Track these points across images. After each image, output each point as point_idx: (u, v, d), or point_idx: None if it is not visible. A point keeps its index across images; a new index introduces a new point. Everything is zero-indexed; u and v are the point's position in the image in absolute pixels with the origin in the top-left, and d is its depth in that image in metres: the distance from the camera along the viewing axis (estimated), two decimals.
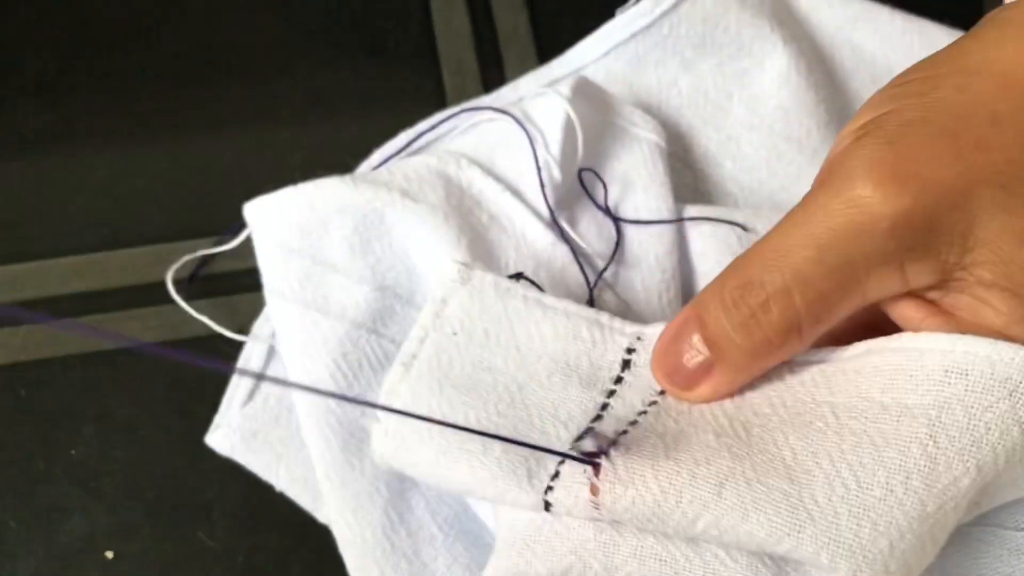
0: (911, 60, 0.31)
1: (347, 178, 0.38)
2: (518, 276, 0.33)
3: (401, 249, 0.38)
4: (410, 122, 0.42)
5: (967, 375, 0.26)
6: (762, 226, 0.37)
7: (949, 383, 0.26)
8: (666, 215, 0.38)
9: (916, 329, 0.28)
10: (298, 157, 0.43)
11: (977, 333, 0.27)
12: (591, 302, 0.37)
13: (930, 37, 0.42)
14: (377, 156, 0.42)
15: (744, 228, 0.38)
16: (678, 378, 0.29)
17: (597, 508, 0.27)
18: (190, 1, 0.47)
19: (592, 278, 0.37)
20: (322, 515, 0.36)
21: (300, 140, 0.44)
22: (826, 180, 0.28)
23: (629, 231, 0.39)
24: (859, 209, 0.27)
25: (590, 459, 0.27)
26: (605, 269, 0.38)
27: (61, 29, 0.46)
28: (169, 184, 0.43)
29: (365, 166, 0.42)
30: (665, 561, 0.27)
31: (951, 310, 0.28)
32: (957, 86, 0.28)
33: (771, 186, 0.40)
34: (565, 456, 0.28)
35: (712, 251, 0.38)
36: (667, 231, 0.38)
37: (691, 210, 0.39)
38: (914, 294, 0.28)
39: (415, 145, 0.42)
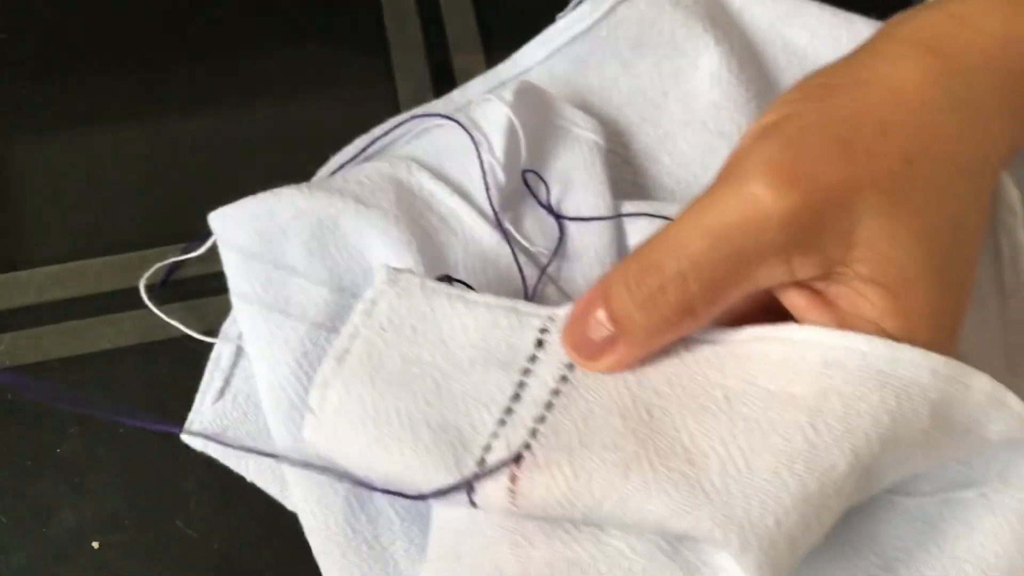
0: (839, 53, 0.34)
1: (303, 186, 0.40)
2: (447, 278, 0.36)
3: (356, 252, 0.40)
4: (364, 127, 0.44)
5: (844, 367, 0.29)
6: None
7: (828, 375, 0.29)
8: (605, 211, 0.41)
9: (802, 315, 0.31)
10: (260, 168, 0.45)
11: (855, 323, 0.30)
12: (530, 296, 0.39)
13: (857, 31, 0.44)
14: (334, 162, 0.44)
15: None
16: (585, 350, 0.31)
17: (514, 497, 0.29)
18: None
19: (535, 275, 0.40)
20: (290, 503, 0.38)
21: (261, 147, 0.46)
22: (725, 176, 0.31)
23: (571, 228, 0.41)
24: (752, 205, 0.29)
25: (514, 458, 0.30)
26: (548, 264, 0.40)
27: (28, 53, 0.48)
28: (141, 194, 0.45)
29: (323, 171, 0.44)
30: (574, 562, 0.29)
31: (833, 300, 0.30)
32: (853, 96, 0.31)
33: (705, 180, 0.41)
34: (487, 472, 0.30)
35: None
36: (607, 227, 0.41)
37: (628, 206, 0.41)
38: (801, 284, 0.31)
39: (370, 150, 0.44)
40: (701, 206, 0.30)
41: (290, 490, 0.38)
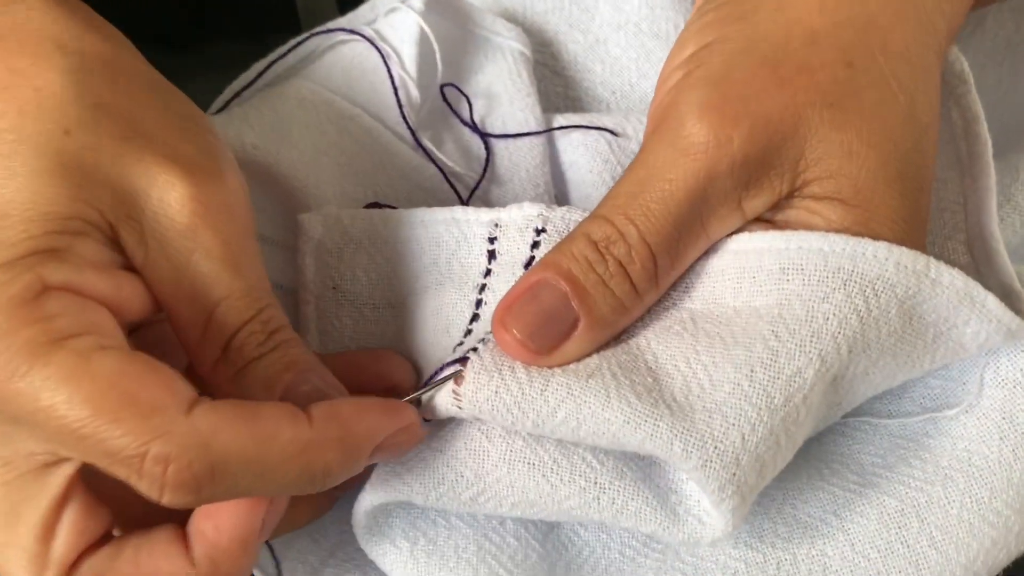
0: None
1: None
2: (375, 205, 0.33)
3: (285, 195, 0.36)
4: (263, 52, 0.39)
5: (803, 270, 0.26)
6: (632, 129, 0.36)
7: (787, 280, 0.27)
8: (534, 126, 0.37)
9: None
10: None
11: None
12: None
13: None
14: (228, 91, 0.39)
15: (614, 133, 0.36)
16: (540, 339, 0.27)
17: (458, 398, 0.26)
18: None
19: (462, 196, 0.36)
20: None
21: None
22: (659, 128, 0.28)
23: (498, 146, 0.37)
24: (693, 157, 0.27)
25: (460, 360, 0.27)
26: (476, 187, 0.36)
27: None
28: None
29: (217, 103, 0.39)
30: (534, 464, 0.27)
31: (783, 225, 0.28)
32: (774, 6, 0.28)
33: (642, 87, 0.39)
34: (433, 383, 0.27)
35: (583, 160, 0.37)
36: (537, 143, 0.37)
37: (560, 119, 0.37)
38: (750, 221, 0.28)
39: (268, 75, 0.39)
40: (642, 168, 0.28)
41: None
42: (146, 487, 0.23)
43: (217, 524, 0.25)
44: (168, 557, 0.25)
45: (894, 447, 0.30)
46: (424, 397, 0.27)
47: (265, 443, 0.24)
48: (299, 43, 0.39)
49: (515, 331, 0.27)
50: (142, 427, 0.22)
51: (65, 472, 0.24)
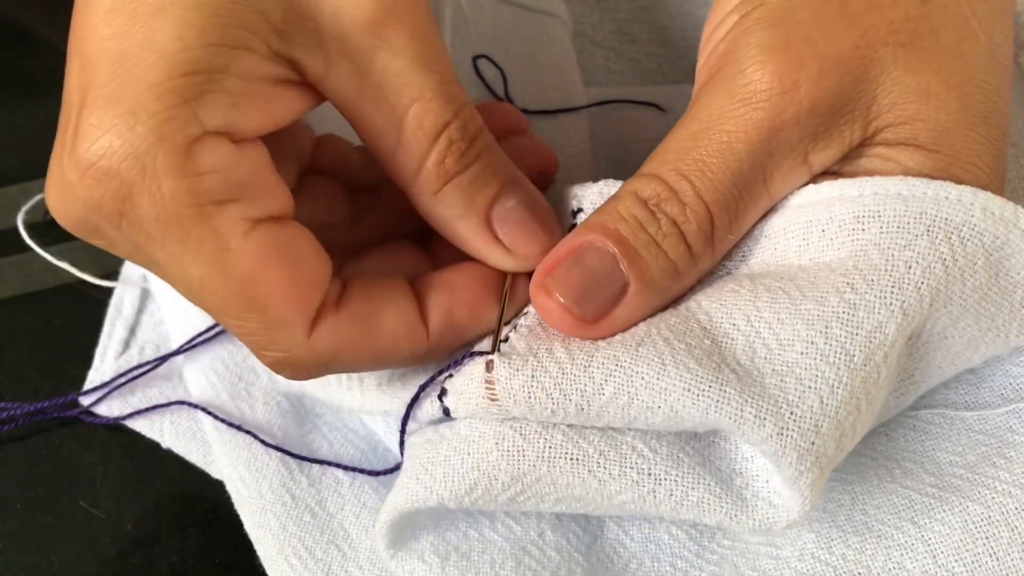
0: None
1: None
2: None
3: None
4: None
5: (880, 217, 0.23)
6: (681, 104, 0.33)
7: (863, 229, 0.24)
8: (575, 102, 0.34)
9: None
10: None
11: None
12: None
13: None
14: None
15: (661, 109, 0.34)
16: (587, 305, 0.24)
17: (491, 388, 0.24)
18: None
19: None
20: (215, 470, 0.32)
21: None
22: (714, 78, 0.25)
23: (537, 123, 0.34)
24: (755, 106, 0.24)
25: (486, 352, 0.24)
26: None
27: None
28: (16, 121, 0.38)
29: None
30: (577, 459, 0.24)
31: (855, 176, 0.25)
32: None
33: (691, 59, 0.36)
34: (458, 362, 0.25)
35: (628, 137, 0.34)
36: (579, 120, 0.34)
37: (603, 94, 0.34)
38: (817, 175, 0.25)
39: None
40: (696, 119, 0.25)
41: (215, 454, 0.31)
42: (261, 362, 0.25)
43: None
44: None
45: (974, 444, 0.27)
46: (450, 386, 0.25)
47: (380, 361, 0.24)
48: None
49: (558, 296, 0.24)
50: (264, 339, 0.23)
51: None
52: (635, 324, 0.24)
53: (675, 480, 0.24)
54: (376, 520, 0.26)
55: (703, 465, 0.24)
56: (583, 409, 0.23)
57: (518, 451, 0.24)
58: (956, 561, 0.25)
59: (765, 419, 0.22)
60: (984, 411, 0.27)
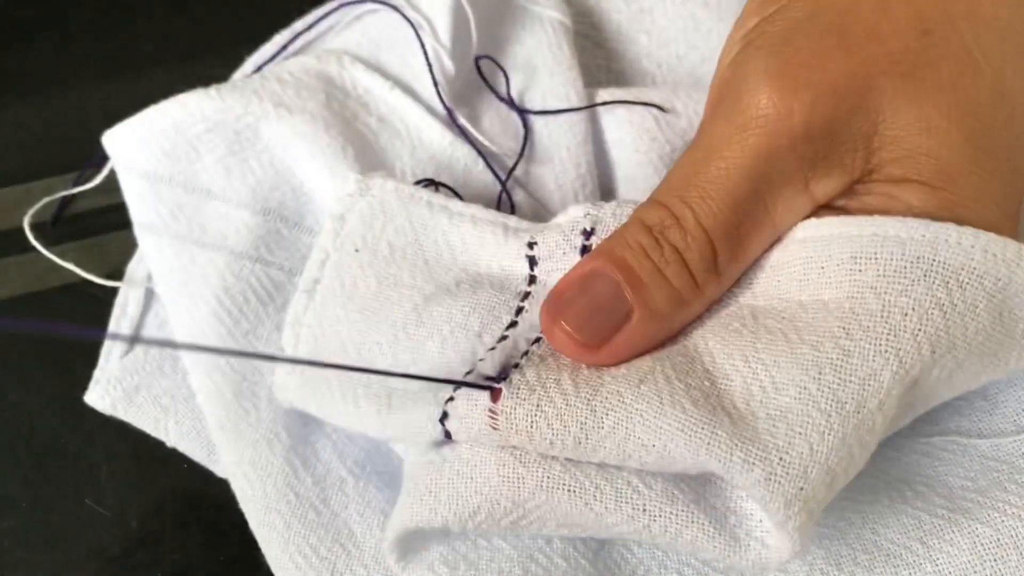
0: None
1: (214, 90, 0.33)
2: (430, 182, 0.31)
3: (283, 166, 0.33)
4: (284, 23, 0.37)
5: (876, 259, 0.23)
6: (681, 105, 0.33)
7: (860, 270, 0.24)
8: (576, 102, 0.34)
9: None
10: (159, 76, 0.38)
11: None
12: (508, 204, 0.33)
13: None
14: (250, 63, 0.37)
15: (661, 109, 0.34)
16: (589, 332, 0.24)
17: (494, 417, 0.24)
18: None
19: (501, 178, 0.33)
20: (219, 468, 0.32)
21: (169, 55, 0.39)
22: (717, 105, 0.26)
23: (537, 123, 0.35)
24: (751, 132, 0.24)
25: (491, 383, 0.24)
26: (514, 168, 0.34)
27: None
28: (21, 121, 0.38)
29: (238, 75, 0.37)
30: (574, 491, 0.24)
31: (859, 213, 0.25)
32: None
33: (691, 60, 0.36)
34: (466, 384, 0.25)
35: (628, 138, 0.34)
36: (579, 120, 0.34)
37: (603, 95, 0.35)
38: (822, 206, 0.26)
39: (292, 47, 0.37)
40: (701, 147, 0.25)
41: (219, 453, 0.31)
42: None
43: None
44: None
45: (986, 469, 0.27)
46: (451, 409, 0.25)
47: None
48: (325, 15, 0.37)
49: (563, 323, 0.24)
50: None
51: None
52: (640, 352, 0.25)
53: (669, 517, 0.24)
54: (384, 537, 0.27)
55: (697, 503, 0.24)
56: (580, 442, 0.23)
57: (518, 478, 0.24)
58: None
59: (754, 464, 0.22)
60: (997, 439, 0.27)
